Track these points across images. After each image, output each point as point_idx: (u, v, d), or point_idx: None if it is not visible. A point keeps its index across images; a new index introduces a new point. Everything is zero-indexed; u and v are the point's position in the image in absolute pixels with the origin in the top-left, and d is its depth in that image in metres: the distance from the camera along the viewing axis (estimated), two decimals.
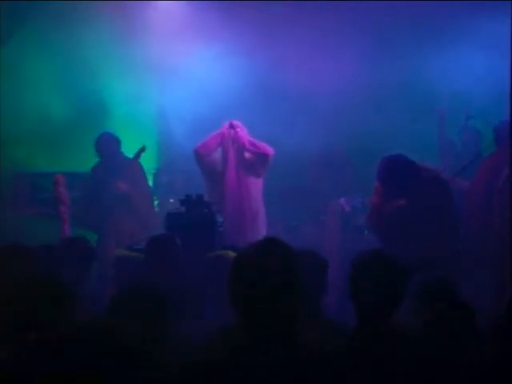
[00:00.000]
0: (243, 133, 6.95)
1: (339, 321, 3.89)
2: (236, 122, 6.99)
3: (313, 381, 2.64)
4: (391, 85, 8.21)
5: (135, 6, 8.29)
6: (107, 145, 7.62)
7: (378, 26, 8.06)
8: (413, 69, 8.11)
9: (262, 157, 6.89)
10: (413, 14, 7.97)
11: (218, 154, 6.98)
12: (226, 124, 6.97)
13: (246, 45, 7.96)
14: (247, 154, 6.92)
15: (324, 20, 8.12)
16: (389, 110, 8.14)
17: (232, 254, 5.65)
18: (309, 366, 2.64)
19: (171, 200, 7.69)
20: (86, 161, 7.82)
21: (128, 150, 7.90)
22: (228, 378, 2.57)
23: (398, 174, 5.65)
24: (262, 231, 6.81)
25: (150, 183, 8.34)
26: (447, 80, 8.11)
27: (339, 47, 8.08)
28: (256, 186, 6.96)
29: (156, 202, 8.19)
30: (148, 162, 8.35)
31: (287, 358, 2.61)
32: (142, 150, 7.66)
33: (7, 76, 7.96)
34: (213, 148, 6.95)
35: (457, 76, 8.01)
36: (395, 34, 8.06)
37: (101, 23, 8.10)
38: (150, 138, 8.68)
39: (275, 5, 8.12)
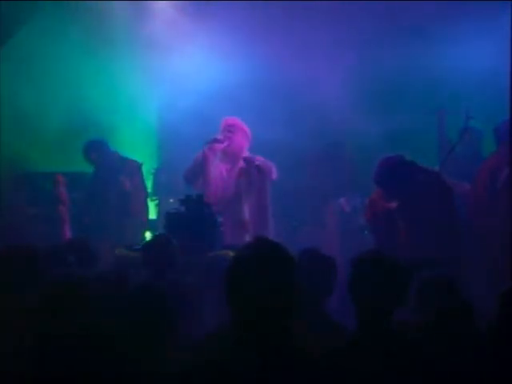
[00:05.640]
0: (239, 141, 6.77)
1: (342, 322, 3.88)
2: (232, 122, 6.81)
3: (311, 381, 2.64)
4: (391, 85, 8.21)
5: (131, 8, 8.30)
6: (96, 152, 7.60)
7: (376, 25, 8.05)
8: (413, 69, 8.11)
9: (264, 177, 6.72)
10: (412, 13, 7.96)
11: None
12: (205, 146, 6.73)
13: (243, 44, 7.95)
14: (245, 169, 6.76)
15: (323, 18, 8.10)
16: (389, 109, 8.14)
17: (232, 254, 5.65)
18: (307, 367, 2.64)
19: (171, 200, 7.69)
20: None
21: (128, 151, 7.92)
22: (225, 378, 2.57)
23: (395, 175, 5.63)
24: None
25: (150, 183, 8.34)
26: (447, 80, 8.11)
27: (339, 46, 8.07)
28: (259, 193, 6.86)
29: (156, 202, 8.18)
30: (148, 162, 8.36)
31: (284, 358, 2.61)
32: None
33: (8, 75, 7.97)
34: (198, 171, 6.77)
35: (457, 76, 8.01)
36: (394, 33, 8.05)
37: (101, 28, 8.12)
38: (151, 137, 8.70)
39: (271, 4, 8.10)
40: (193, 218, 5.98)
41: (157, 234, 5.80)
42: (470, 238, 6.08)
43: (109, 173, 7.56)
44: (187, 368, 2.65)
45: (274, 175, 6.78)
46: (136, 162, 7.77)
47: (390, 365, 2.99)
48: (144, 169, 8.01)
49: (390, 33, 8.07)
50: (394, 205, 5.74)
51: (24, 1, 7.74)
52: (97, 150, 7.66)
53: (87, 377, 2.92)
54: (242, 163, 6.81)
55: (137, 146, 8.29)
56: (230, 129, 6.79)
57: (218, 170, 6.84)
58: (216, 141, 6.74)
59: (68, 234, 6.80)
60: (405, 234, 5.59)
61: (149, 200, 8.16)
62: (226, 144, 6.75)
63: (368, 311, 3.14)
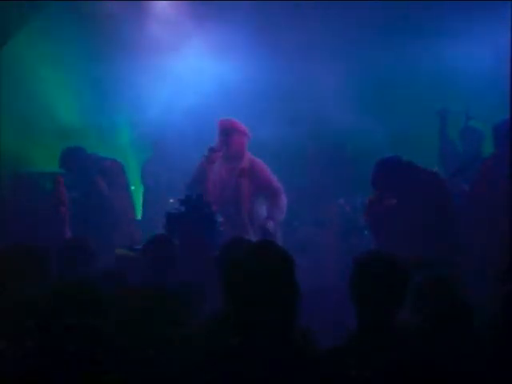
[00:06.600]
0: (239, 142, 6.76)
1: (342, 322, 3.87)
2: (227, 124, 6.76)
3: (312, 380, 2.64)
4: (391, 85, 8.22)
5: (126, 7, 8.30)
6: (66, 161, 7.51)
7: (377, 26, 8.05)
8: (413, 69, 8.11)
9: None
10: (412, 13, 7.97)
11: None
12: (203, 158, 6.75)
13: (243, 44, 7.95)
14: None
15: (322, 18, 8.10)
16: (390, 110, 8.14)
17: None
18: (307, 366, 2.64)
19: (171, 200, 7.67)
20: None
21: (128, 151, 7.92)
22: (225, 376, 2.58)
23: (393, 176, 5.62)
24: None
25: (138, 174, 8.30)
26: (448, 80, 8.11)
27: (340, 46, 8.08)
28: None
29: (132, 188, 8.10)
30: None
31: (284, 357, 2.61)
32: None
33: (8, 75, 7.98)
34: (200, 180, 6.75)
35: (457, 76, 8.01)
36: (392, 31, 8.05)
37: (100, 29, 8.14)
38: (150, 137, 8.71)
39: (270, 4, 8.09)
40: (193, 218, 5.98)
41: (157, 233, 5.80)
42: (470, 238, 6.08)
43: (85, 175, 7.44)
44: (187, 366, 2.65)
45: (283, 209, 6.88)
46: (116, 161, 7.63)
47: (390, 365, 2.99)
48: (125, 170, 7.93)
49: (391, 33, 8.07)
50: (393, 205, 5.74)
51: (24, 1, 7.75)
52: (67, 158, 7.51)
53: (86, 376, 2.92)
54: (243, 163, 6.80)
55: (137, 146, 8.28)
56: (225, 132, 6.78)
57: (219, 170, 6.84)
58: (213, 150, 6.74)
59: (68, 233, 6.79)
60: (404, 234, 5.59)
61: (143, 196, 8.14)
62: (223, 150, 6.75)
63: (368, 311, 3.14)
